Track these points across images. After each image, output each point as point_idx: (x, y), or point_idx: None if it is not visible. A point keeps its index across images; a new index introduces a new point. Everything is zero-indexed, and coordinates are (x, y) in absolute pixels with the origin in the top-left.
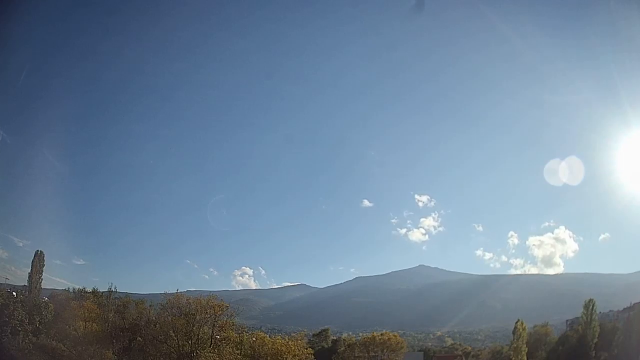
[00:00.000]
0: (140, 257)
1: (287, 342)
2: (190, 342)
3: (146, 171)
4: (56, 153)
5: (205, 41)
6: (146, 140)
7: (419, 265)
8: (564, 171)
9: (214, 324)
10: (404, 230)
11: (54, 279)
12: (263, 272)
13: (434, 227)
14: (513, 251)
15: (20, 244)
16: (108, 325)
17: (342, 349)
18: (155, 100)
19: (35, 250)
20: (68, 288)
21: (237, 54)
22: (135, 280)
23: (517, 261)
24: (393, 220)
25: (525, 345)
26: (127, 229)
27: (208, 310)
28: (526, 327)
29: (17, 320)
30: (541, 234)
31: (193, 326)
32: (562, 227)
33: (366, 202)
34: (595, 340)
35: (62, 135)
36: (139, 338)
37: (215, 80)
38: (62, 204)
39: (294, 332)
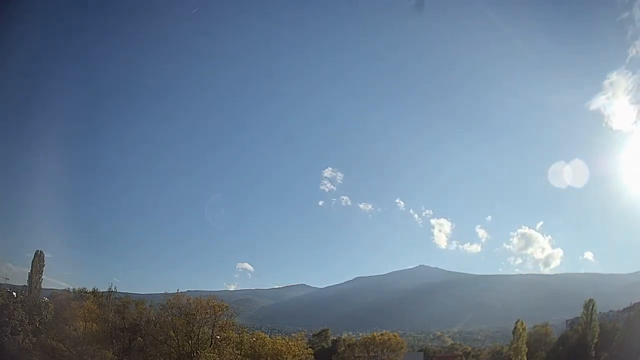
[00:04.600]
0: (139, 256)
1: (287, 342)
2: (190, 342)
3: (144, 171)
4: (53, 152)
5: (202, 40)
6: (144, 140)
7: (419, 265)
8: (568, 173)
9: (214, 324)
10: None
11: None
12: (263, 272)
13: (434, 226)
14: (513, 251)
15: None
16: (108, 325)
17: (342, 349)
18: (152, 99)
19: (35, 250)
20: (68, 288)
21: (235, 53)
22: (128, 280)
23: (517, 261)
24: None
25: (525, 346)
26: (126, 228)
27: (208, 311)
28: (526, 327)
29: (17, 320)
30: (542, 234)
31: (193, 326)
32: (563, 228)
33: (366, 201)
34: (595, 340)
35: (59, 135)
36: (139, 338)
37: (213, 80)
38: (56, 203)
39: (294, 332)
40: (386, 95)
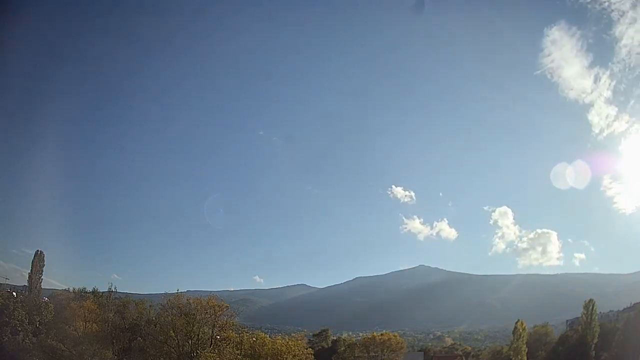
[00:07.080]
0: (139, 257)
1: (287, 342)
2: (190, 342)
3: (144, 172)
4: (54, 153)
5: (202, 42)
6: (144, 140)
7: (419, 265)
8: (570, 175)
9: (214, 324)
10: (407, 229)
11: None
12: (263, 271)
13: (429, 227)
14: (514, 251)
15: None
16: (108, 325)
17: (342, 349)
18: (152, 101)
19: (35, 251)
20: (68, 288)
21: (235, 54)
22: (128, 280)
23: (518, 261)
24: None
25: (525, 345)
26: (127, 228)
27: (208, 310)
28: (526, 327)
29: (17, 320)
30: (543, 234)
31: (193, 326)
32: (564, 228)
33: (366, 203)
34: (595, 340)
35: (60, 136)
36: (139, 338)
37: (212, 81)
38: (57, 203)
39: (294, 332)
40: (387, 96)
